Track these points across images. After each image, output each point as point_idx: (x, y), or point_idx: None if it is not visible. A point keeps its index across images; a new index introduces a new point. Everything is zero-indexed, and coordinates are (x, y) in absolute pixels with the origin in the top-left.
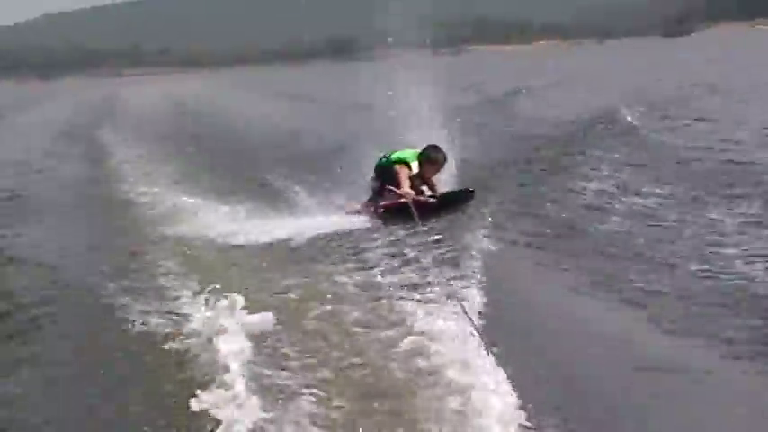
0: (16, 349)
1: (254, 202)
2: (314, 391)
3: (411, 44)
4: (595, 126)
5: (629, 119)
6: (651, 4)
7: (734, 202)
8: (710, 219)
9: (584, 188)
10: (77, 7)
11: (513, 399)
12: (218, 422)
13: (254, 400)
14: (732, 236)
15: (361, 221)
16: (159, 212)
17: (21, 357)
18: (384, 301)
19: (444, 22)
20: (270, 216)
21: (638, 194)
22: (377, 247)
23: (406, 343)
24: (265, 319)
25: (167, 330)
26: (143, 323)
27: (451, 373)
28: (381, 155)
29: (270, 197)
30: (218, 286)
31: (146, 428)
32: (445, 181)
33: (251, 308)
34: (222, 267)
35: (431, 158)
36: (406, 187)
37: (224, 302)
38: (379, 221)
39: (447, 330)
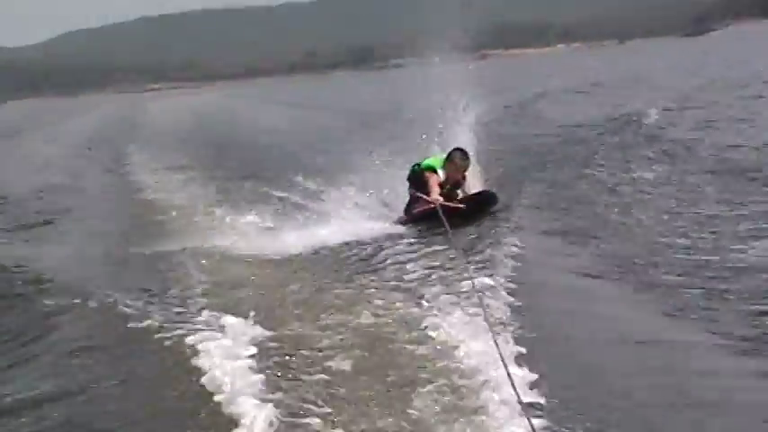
0: (30, 354)
1: (288, 210)
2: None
3: (437, 51)
4: (623, 127)
5: (655, 118)
6: (669, 3)
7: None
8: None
9: (617, 184)
10: (100, 24)
11: (541, 401)
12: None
13: (269, 407)
14: None
15: (392, 228)
16: (201, 224)
17: (39, 363)
18: (413, 308)
19: (468, 29)
20: (302, 223)
21: (666, 194)
22: (406, 253)
23: (432, 347)
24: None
25: (189, 339)
26: (167, 330)
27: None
28: (414, 163)
29: (299, 205)
30: (239, 296)
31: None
32: (484, 185)
33: (272, 317)
34: (247, 277)
35: (449, 158)
36: (434, 194)
37: (244, 311)
38: (412, 228)
39: (474, 335)
